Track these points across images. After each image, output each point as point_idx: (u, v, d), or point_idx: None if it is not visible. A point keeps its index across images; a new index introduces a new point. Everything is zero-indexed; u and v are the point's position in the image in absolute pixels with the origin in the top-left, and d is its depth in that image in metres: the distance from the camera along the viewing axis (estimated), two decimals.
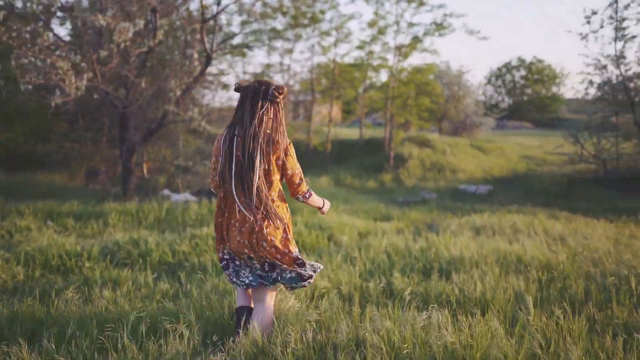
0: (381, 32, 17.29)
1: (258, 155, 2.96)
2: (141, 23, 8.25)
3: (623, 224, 10.04)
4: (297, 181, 3.09)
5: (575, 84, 73.68)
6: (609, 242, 7.57)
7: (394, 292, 4.55)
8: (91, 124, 14.64)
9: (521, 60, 59.72)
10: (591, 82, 16.00)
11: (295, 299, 3.99)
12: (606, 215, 11.67)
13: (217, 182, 3.12)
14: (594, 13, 15.17)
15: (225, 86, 17.40)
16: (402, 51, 16.58)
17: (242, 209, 3.00)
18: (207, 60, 10.28)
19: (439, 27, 16.12)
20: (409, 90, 17.09)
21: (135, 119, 10.71)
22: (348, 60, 18.60)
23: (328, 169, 16.86)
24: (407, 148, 17.38)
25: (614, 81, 15.30)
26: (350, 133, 22.87)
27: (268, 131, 3.01)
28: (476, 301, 4.26)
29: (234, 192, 3.01)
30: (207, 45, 10.06)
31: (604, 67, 15.39)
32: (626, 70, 15.17)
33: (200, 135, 12.91)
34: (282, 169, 3.07)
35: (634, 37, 15.01)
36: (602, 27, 15.24)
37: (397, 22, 16.91)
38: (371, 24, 17.50)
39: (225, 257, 3.22)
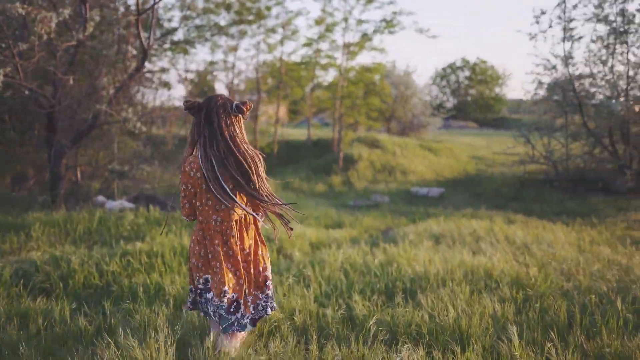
0: (329, 29, 16.75)
1: (259, 167, 2.99)
2: (66, 12, 7.36)
3: (580, 228, 9.81)
4: None
5: (524, 84, 75.17)
6: (572, 248, 7.22)
7: (356, 320, 3.95)
8: (19, 124, 13.47)
9: (465, 61, 60.57)
10: (540, 83, 15.90)
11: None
12: (561, 217, 11.46)
13: (191, 211, 3.01)
14: (543, 13, 15.04)
15: (167, 84, 16.49)
16: (351, 49, 16.06)
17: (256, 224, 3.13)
18: (144, 56, 9.45)
19: (389, 25, 15.69)
20: (358, 90, 16.61)
21: (64, 120, 9.76)
22: (295, 58, 18.03)
23: (275, 171, 16.19)
24: (356, 149, 16.89)
25: (563, 81, 15.21)
26: (297, 133, 22.27)
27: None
28: (451, 331, 3.70)
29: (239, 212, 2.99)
30: (144, 40, 9.23)
31: (554, 67, 15.30)
32: (574, 71, 15.11)
33: (138, 137, 12.01)
34: None
35: (580, 37, 14.95)
36: (550, 26, 15.14)
37: (346, 19, 16.39)
38: (318, 22, 16.95)
39: (200, 286, 3.06)
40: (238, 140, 2.95)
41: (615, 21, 14.20)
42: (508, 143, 30.38)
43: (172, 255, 5.80)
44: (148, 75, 13.38)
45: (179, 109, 19.82)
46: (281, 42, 17.49)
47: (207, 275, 3.01)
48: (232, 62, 17.97)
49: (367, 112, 17.13)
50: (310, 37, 16.99)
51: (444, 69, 60.06)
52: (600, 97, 14.86)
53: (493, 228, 8.45)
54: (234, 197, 2.89)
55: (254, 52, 17.83)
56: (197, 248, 3.03)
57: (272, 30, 17.79)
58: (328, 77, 18.34)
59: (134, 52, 10.54)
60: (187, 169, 2.92)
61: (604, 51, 14.78)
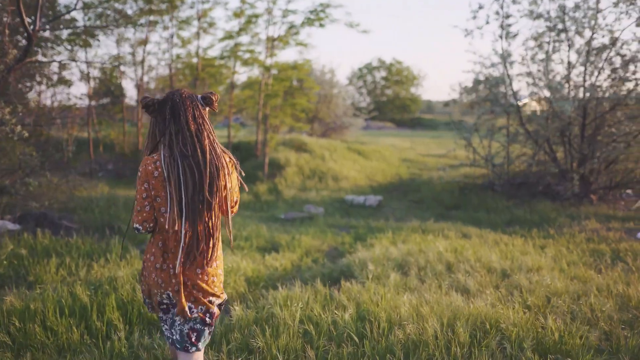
0: (249, 21, 15.13)
1: (225, 176, 2.68)
2: None
3: (542, 242, 8.82)
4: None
5: (451, 85, 76.36)
6: (558, 275, 6.10)
7: None
8: None
9: (381, 62, 60.44)
10: (478, 82, 15.03)
11: None
12: (513, 228, 10.52)
13: (149, 216, 2.58)
14: (481, 7, 14.15)
15: (67, 81, 14.31)
16: (275, 44, 14.53)
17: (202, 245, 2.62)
18: (29, 44, 7.50)
19: (318, 18, 14.28)
20: (284, 88, 15.12)
21: None
22: (214, 53, 16.22)
23: None
24: (282, 153, 15.39)
25: (500, 81, 14.39)
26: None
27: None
28: None
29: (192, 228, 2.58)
30: (29, 25, 7.29)
31: (492, 65, 14.46)
32: (512, 70, 14.32)
33: (28, 142, 9.91)
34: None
35: (515, 35, 14.17)
36: (487, 22, 14.30)
37: (269, 11, 14.83)
38: (237, 14, 15.29)
39: (165, 301, 2.69)
40: (205, 134, 2.64)
41: (550, 18, 13.52)
42: (431, 144, 30.01)
43: (59, 317, 4.07)
44: (49, 68, 11.32)
45: (81, 109, 17.59)
46: (197, 36, 15.69)
47: (168, 292, 2.67)
48: (141, 57, 15.96)
49: (293, 113, 15.63)
50: (230, 30, 15.24)
51: (360, 69, 59.75)
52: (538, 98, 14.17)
53: (459, 249, 7.23)
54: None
55: (166, 46, 15.90)
56: (158, 262, 2.65)
57: (186, 21, 15.95)
58: (251, 74, 16.60)
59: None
60: (150, 168, 2.55)
61: (537, 50, 14.10)
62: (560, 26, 13.37)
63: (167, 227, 2.57)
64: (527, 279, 5.69)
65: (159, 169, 2.54)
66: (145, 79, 16.38)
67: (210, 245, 2.64)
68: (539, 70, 13.94)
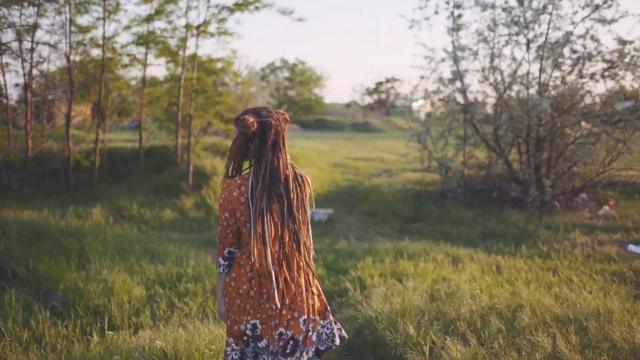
0: (163, 6, 12.84)
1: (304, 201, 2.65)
2: None
3: (546, 261, 7.48)
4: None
5: (356, 86, 75.57)
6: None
7: None
8: None
9: (284, 62, 58.73)
10: (422, 78, 13.65)
11: None
12: (493, 243, 9.18)
13: (235, 240, 2.58)
14: None
15: None
16: (199, 31, 12.33)
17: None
18: None
19: (245, 3, 12.26)
20: (208, 84, 12.96)
21: None
22: (123, 41, 13.69)
23: (99, 192, 11.92)
24: (207, 160, 13.18)
25: (450, 78, 13.08)
26: (119, 139, 17.81)
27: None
28: None
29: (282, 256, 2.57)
30: None
31: (443, 60, 13.11)
32: (462, 66, 13.06)
33: None
34: None
35: (461, 25, 12.90)
36: (436, 13, 12.96)
37: None
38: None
39: (247, 332, 2.62)
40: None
41: (505, 8, 12.38)
42: (351, 147, 28.64)
43: None
44: None
45: None
46: (100, 22, 13.14)
47: (255, 321, 2.58)
48: (30, 46, 13.14)
49: (218, 112, 13.42)
50: (140, 15, 12.86)
51: (262, 69, 57.72)
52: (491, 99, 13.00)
53: (484, 285, 5.62)
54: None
55: (62, 33, 13.16)
56: (244, 287, 2.57)
57: (84, 4, 13.33)
58: (170, 67, 14.08)
59: None
60: (234, 194, 2.50)
61: (489, 44, 12.93)
62: (515, 18, 12.26)
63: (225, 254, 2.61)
64: (621, 334, 4.14)
65: (245, 195, 2.49)
66: (35, 72, 13.57)
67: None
68: (492, 67, 12.76)
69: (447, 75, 13.18)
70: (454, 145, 12.69)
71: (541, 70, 12.20)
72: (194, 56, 12.19)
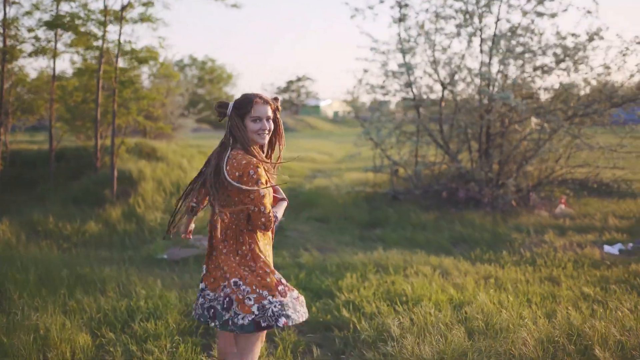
0: None
1: None
2: None
3: (539, 269, 6.76)
4: None
5: (266, 84, 73.65)
6: None
7: None
8: None
9: (193, 59, 56.40)
10: (365, 71, 12.74)
11: None
12: (467, 249, 8.44)
13: None
14: None
15: None
16: (121, 15, 10.75)
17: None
18: None
19: None
20: (136, 76, 11.35)
21: None
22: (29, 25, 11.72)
23: (5, 205, 10.07)
24: (132, 163, 11.57)
25: (397, 71, 12.27)
26: (22, 140, 15.64)
27: None
28: None
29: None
30: None
31: (389, 51, 12.26)
32: (411, 59, 12.28)
33: None
34: None
35: (406, 15, 12.15)
36: (382, 1, 12.10)
37: None
38: None
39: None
40: None
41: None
42: (357, 150, 27.41)
43: None
44: None
45: None
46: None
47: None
48: None
49: (141, 109, 11.79)
50: None
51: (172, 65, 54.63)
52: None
53: (488, 307, 4.71)
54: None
55: None
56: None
57: None
58: (83, 57, 12.15)
59: None
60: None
61: (422, 38, 12.27)
62: (463, 7, 11.63)
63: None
64: None
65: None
66: None
67: None
68: (435, 61, 12.05)
69: (394, 68, 12.34)
70: (404, 143, 11.86)
71: (489, 64, 11.66)
72: (117, 45, 10.57)
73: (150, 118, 13.56)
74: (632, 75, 10.51)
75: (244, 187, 2.77)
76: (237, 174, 2.82)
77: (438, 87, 12.30)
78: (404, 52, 12.08)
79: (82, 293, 5.54)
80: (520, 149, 11.72)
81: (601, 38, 10.82)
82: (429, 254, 7.95)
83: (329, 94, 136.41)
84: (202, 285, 3.09)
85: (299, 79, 67.01)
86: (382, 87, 12.60)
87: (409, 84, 12.26)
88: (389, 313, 4.87)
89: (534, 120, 11.92)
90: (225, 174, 2.82)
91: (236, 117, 2.94)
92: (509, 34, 11.52)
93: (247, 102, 2.93)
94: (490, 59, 11.73)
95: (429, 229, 9.65)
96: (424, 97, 12.30)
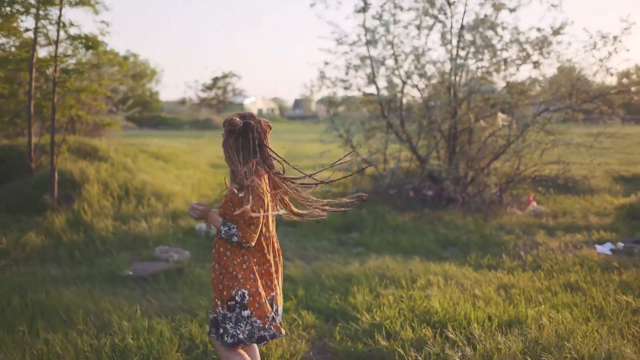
0: None
1: None
2: None
3: (530, 275, 6.24)
4: None
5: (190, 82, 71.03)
6: None
7: None
8: None
9: (114, 54, 53.36)
10: (327, 64, 11.98)
11: None
12: (458, 253, 7.85)
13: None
14: None
15: None
16: None
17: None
18: None
19: None
20: (81, 64, 9.99)
21: None
22: None
23: None
24: (73, 163, 10.23)
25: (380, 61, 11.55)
26: None
27: None
28: None
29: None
30: None
31: (354, 43, 11.53)
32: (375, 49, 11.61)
33: None
34: None
35: (369, 5, 11.47)
36: None
37: None
38: None
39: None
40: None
41: None
42: (207, 145, 26.10)
43: None
44: None
45: None
46: None
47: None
48: None
49: (82, 102, 10.43)
50: None
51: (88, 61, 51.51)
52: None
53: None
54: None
55: None
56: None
57: None
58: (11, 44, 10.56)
59: None
60: (260, 192, 2.92)
61: (382, 29, 11.66)
62: None
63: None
64: None
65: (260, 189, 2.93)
66: None
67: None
68: (393, 54, 11.45)
69: (356, 62, 11.62)
70: (369, 139, 11.15)
71: (456, 57, 11.19)
72: (58, 26, 9.21)
73: (90, 113, 12.15)
74: (608, 70, 10.26)
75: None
76: None
77: (396, 81, 11.68)
78: (367, 43, 11.39)
79: (46, 328, 4.45)
80: (491, 146, 11.32)
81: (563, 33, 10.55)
82: (420, 259, 7.30)
83: (256, 91, 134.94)
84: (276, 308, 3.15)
85: (225, 76, 65.15)
86: (344, 80, 11.87)
87: (371, 78, 11.58)
88: (434, 339, 4.11)
89: (500, 116, 11.56)
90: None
91: None
92: (473, 24, 11.09)
93: None
94: (457, 51, 11.26)
95: (410, 231, 9.00)
96: (387, 93, 11.64)
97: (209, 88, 65.12)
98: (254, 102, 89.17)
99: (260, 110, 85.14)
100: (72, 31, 9.27)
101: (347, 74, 11.83)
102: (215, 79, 64.83)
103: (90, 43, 9.34)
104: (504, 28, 11.11)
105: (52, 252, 7.51)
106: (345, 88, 12.01)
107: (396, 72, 11.45)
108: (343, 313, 5.07)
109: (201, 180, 12.76)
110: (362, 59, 11.59)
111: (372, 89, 11.63)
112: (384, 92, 11.61)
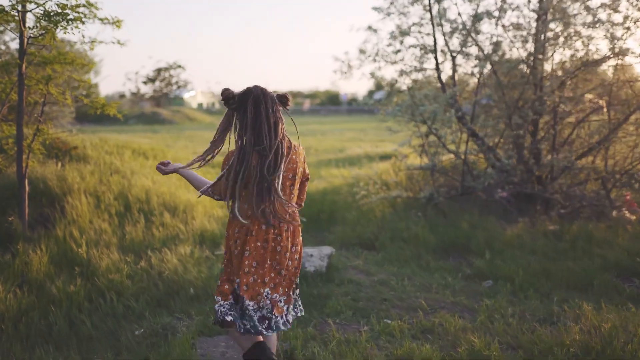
0: None
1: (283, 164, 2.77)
2: None
3: None
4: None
5: (130, 73, 65.65)
6: None
7: None
8: None
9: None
10: (374, 30, 9.22)
11: None
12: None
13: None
14: None
15: None
16: None
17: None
18: None
19: None
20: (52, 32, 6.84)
21: None
22: None
23: None
24: (47, 166, 7.12)
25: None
26: None
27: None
28: None
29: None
30: None
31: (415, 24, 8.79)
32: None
33: None
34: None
35: None
36: None
37: None
38: None
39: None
40: (281, 126, 2.93)
41: None
42: (170, 139, 22.78)
43: None
44: None
45: None
46: None
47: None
48: None
49: (58, 85, 7.25)
50: None
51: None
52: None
53: None
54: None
55: None
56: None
57: None
58: None
59: None
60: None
61: None
62: None
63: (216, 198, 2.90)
64: None
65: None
66: None
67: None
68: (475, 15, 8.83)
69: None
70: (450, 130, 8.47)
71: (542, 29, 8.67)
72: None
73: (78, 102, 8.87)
74: None
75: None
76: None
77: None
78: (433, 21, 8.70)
79: None
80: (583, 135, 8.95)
81: None
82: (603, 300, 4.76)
83: (198, 84, 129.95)
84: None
85: (169, 67, 60.78)
86: (396, 52, 9.14)
87: (432, 50, 8.90)
88: None
89: (588, 96, 9.19)
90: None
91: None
92: None
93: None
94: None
95: (541, 251, 6.42)
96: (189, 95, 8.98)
97: (151, 80, 60.61)
98: (194, 96, 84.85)
99: (200, 105, 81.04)
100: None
101: (391, 43, 9.14)
102: (159, 70, 60.47)
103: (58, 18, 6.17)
104: None
105: (40, 325, 4.47)
106: (393, 63, 9.30)
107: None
108: None
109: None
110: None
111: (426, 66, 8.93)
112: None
